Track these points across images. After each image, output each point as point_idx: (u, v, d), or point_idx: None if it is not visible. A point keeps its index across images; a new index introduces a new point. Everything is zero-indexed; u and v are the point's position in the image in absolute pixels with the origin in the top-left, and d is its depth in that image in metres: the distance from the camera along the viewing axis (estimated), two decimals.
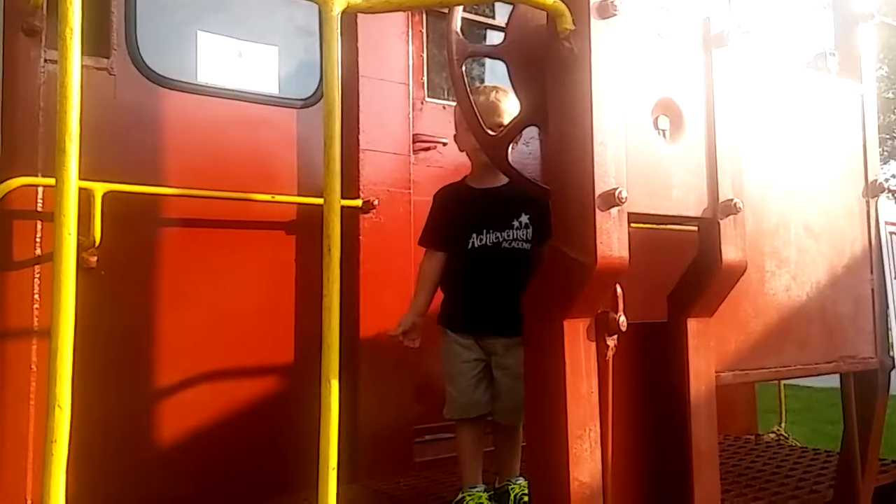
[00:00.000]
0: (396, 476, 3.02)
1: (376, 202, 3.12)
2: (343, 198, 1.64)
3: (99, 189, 2.48)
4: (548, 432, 1.70)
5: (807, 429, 6.53)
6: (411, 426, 3.17)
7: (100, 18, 2.68)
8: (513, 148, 2.12)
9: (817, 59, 2.44)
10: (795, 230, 2.18)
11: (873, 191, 2.40)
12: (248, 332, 2.89)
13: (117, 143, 2.67)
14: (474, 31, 3.82)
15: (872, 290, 2.39)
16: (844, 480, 2.48)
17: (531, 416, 1.80)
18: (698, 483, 1.86)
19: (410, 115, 3.33)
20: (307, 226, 2.99)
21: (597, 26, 1.66)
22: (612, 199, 1.61)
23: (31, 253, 2.44)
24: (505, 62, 2.00)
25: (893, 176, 21.13)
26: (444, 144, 3.44)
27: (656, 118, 1.79)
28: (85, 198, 2.42)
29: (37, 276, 2.44)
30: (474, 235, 2.50)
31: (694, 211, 1.84)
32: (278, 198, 2.92)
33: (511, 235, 2.48)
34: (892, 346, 2.45)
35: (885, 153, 20.74)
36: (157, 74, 2.80)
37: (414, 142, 3.36)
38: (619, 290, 1.74)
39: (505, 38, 2.03)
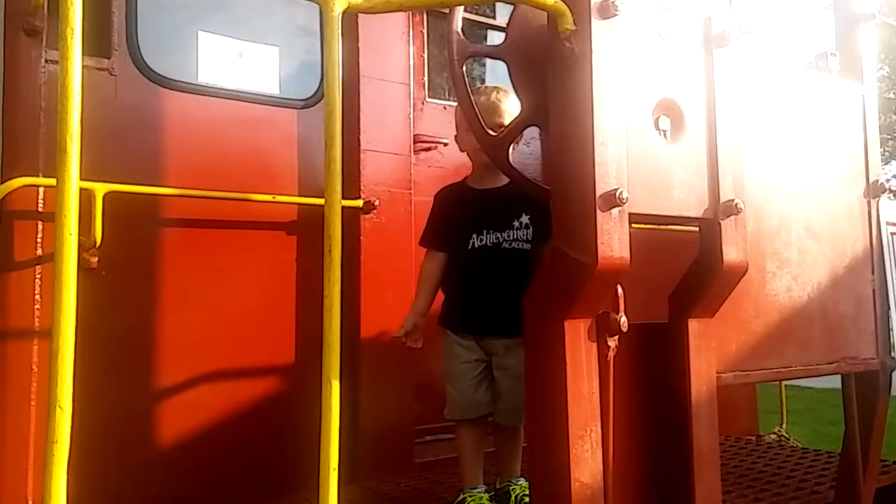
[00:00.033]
0: (397, 477, 3.02)
1: (377, 202, 3.13)
2: (344, 198, 1.63)
3: (100, 189, 2.48)
4: (549, 433, 1.70)
5: (808, 430, 6.53)
6: (412, 427, 3.17)
7: (101, 19, 2.68)
8: (513, 148, 2.12)
9: (818, 60, 2.43)
10: (796, 231, 2.18)
11: (874, 191, 2.40)
12: (248, 332, 2.89)
13: (118, 144, 2.67)
14: (475, 31, 3.82)
15: (874, 290, 2.39)
16: (846, 481, 2.48)
17: (532, 416, 1.80)
18: (699, 484, 1.86)
19: (411, 116, 3.33)
20: (308, 226, 2.99)
21: (598, 26, 1.66)
22: (612, 200, 1.61)
23: (32, 253, 2.44)
24: (506, 62, 1.99)
25: (894, 176, 21.12)
26: (445, 145, 3.44)
27: (657, 118, 1.78)
28: (86, 198, 2.42)
29: (38, 276, 2.44)
30: (474, 236, 2.49)
31: (695, 211, 1.84)
32: (279, 198, 2.92)
33: (511, 236, 2.48)
34: (894, 347, 2.45)
35: (887, 153, 20.73)
36: (158, 75, 2.80)
37: (415, 142, 3.36)
38: (619, 290, 1.74)
39: (506, 39, 2.03)
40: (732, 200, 1.86)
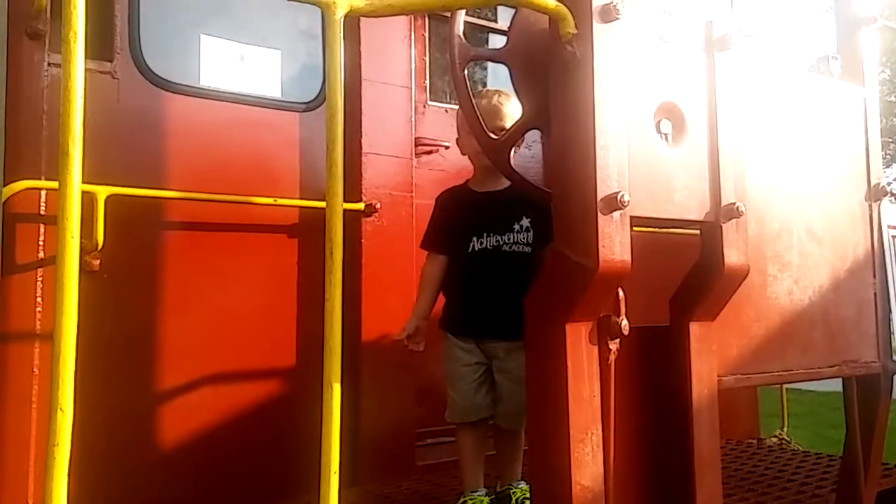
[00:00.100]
0: (398, 480, 3.02)
1: (378, 205, 3.13)
2: (345, 201, 1.64)
3: (102, 192, 2.49)
4: (549, 436, 1.70)
5: (809, 433, 6.52)
6: (413, 430, 3.16)
7: (103, 22, 2.69)
8: (515, 151, 2.12)
9: (820, 63, 2.43)
10: (798, 234, 2.18)
11: (876, 194, 2.40)
12: (250, 335, 2.89)
13: (120, 147, 2.68)
14: (477, 34, 3.82)
15: (875, 293, 2.39)
16: (847, 485, 2.47)
17: (533, 419, 1.80)
18: (700, 487, 1.86)
19: (413, 119, 3.33)
20: (309, 229, 2.99)
21: (599, 30, 1.66)
22: (614, 203, 1.61)
23: (33, 256, 2.45)
24: (507, 66, 2.00)
25: None
26: (447, 148, 3.45)
27: (658, 122, 1.78)
28: (88, 201, 2.42)
29: (39, 278, 2.44)
30: (474, 239, 2.50)
31: (696, 215, 1.84)
32: (281, 201, 2.92)
33: (511, 239, 2.48)
34: (895, 351, 2.45)
35: (888, 157, 20.69)
36: (161, 78, 2.80)
37: (416, 145, 3.37)
38: (621, 293, 1.74)
39: (507, 42, 2.03)
40: (734, 204, 1.86)
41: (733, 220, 1.87)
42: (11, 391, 2.40)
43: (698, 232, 1.92)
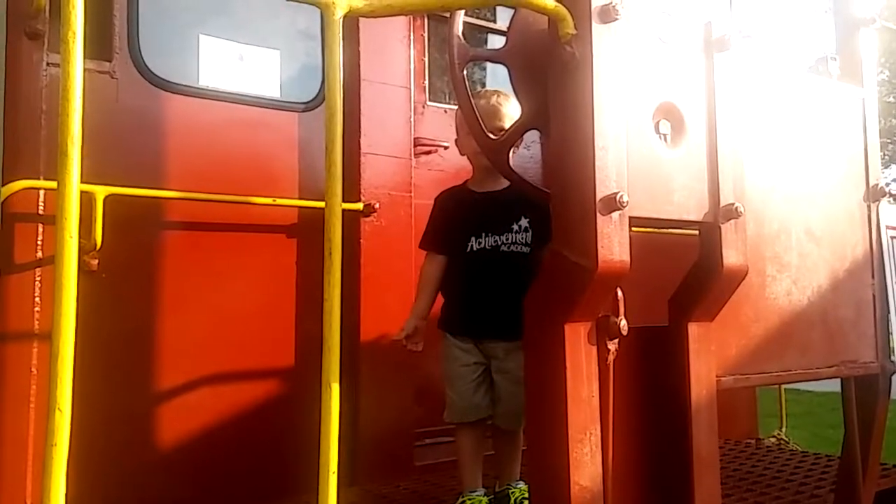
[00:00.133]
0: (396, 480, 3.02)
1: (377, 206, 3.13)
2: (344, 201, 1.64)
3: (100, 192, 2.49)
4: (548, 436, 1.70)
5: (807, 433, 6.52)
6: (411, 430, 3.16)
7: (102, 22, 2.69)
8: (514, 152, 2.12)
9: (819, 64, 2.44)
10: (797, 234, 2.18)
11: (874, 195, 2.40)
12: (249, 335, 2.89)
13: (119, 147, 2.68)
14: (476, 35, 3.82)
15: (874, 294, 2.39)
16: (845, 485, 2.47)
17: (531, 419, 1.80)
18: (699, 487, 1.86)
19: (412, 119, 3.34)
20: (308, 229, 2.99)
21: (598, 31, 1.66)
22: (613, 203, 1.61)
23: (32, 256, 2.45)
24: (506, 66, 2.00)
25: (895, 180, 21.12)
26: (446, 148, 3.44)
27: (657, 122, 1.79)
28: (86, 201, 2.42)
29: (38, 278, 2.44)
30: (473, 239, 2.50)
31: (695, 215, 1.84)
32: (279, 201, 2.92)
33: (510, 239, 2.48)
34: (894, 351, 2.45)
35: (887, 157, 20.73)
36: (159, 78, 2.80)
37: (415, 145, 3.37)
38: (619, 293, 1.74)
39: (506, 42, 2.03)
40: (732, 204, 1.86)
41: (732, 221, 1.88)
42: (10, 391, 2.40)
43: (697, 232, 1.93)
